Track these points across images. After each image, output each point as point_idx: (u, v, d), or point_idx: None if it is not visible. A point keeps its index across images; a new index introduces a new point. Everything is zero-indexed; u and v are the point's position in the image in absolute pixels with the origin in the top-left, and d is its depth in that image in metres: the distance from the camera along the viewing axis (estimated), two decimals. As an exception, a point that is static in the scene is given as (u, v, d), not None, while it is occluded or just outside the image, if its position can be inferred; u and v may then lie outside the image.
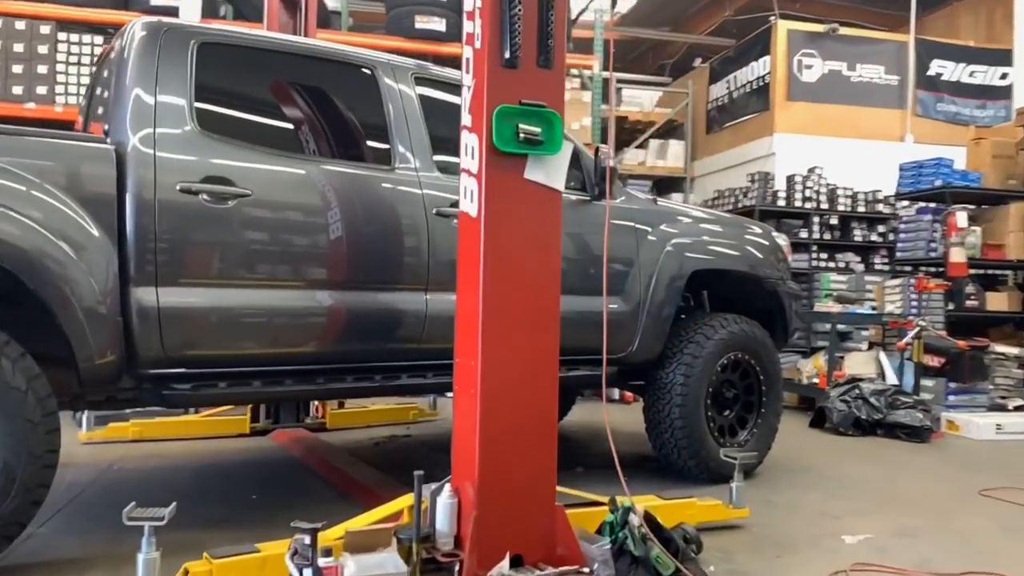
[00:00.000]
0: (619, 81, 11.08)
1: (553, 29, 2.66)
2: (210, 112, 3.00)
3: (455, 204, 3.30)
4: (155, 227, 2.75)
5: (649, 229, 3.98)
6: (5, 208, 2.49)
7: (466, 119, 2.69)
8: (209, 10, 6.69)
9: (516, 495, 2.63)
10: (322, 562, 2.34)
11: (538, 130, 2.62)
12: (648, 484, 3.96)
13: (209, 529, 3.08)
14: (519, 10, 2.59)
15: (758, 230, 4.58)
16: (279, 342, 3.03)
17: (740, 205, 8.99)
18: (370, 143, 3.44)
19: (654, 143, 11.17)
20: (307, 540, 2.24)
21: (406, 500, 2.77)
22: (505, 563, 2.57)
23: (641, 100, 11.06)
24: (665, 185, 11.35)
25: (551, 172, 2.69)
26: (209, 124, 2.94)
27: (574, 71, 7.96)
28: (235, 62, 3.20)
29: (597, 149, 3.82)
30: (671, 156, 11.20)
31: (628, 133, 11.05)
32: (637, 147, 10.98)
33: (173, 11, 6.12)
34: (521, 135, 2.59)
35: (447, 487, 2.65)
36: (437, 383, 3.49)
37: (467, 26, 2.69)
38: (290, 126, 3.47)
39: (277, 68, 3.33)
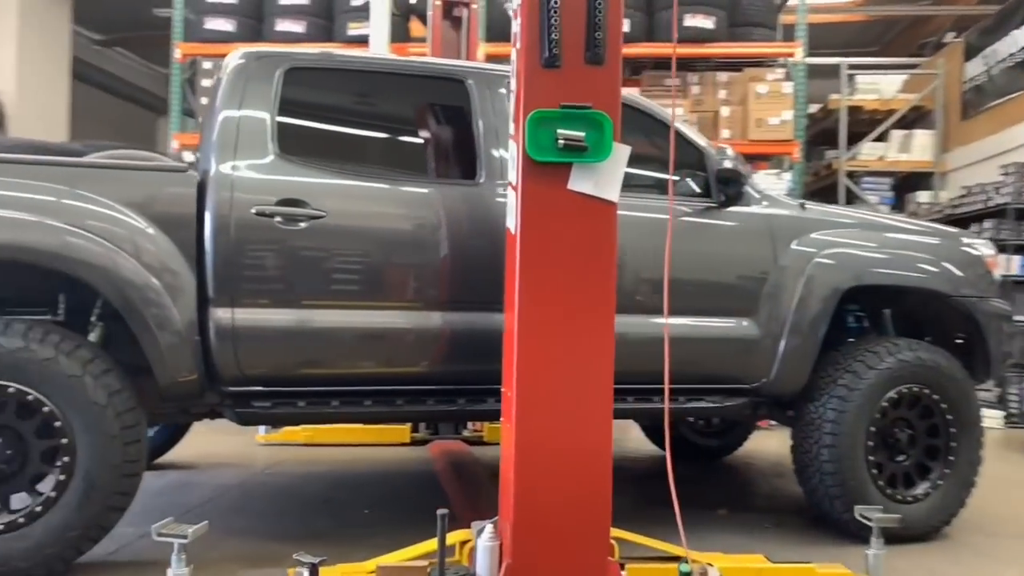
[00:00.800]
0: (852, 67, 9.92)
1: (603, 20, 2.36)
2: (292, 135, 3.06)
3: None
4: (231, 249, 2.85)
5: (793, 239, 3.44)
6: (90, 232, 2.71)
7: (511, 127, 2.48)
8: (399, 35, 6.96)
9: (557, 543, 2.36)
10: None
11: (581, 135, 2.33)
12: (788, 538, 3.45)
13: (297, 543, 3.11)
14: (559, 1, 2.32)
15: (949, 238, 3.78)
16: (355, 363, 3.00)
17: (991, 203, 7.59)
18: (459, 157, 3.32)
19: (896, 134, 9.85)
20: (306, 574, 2.16)
21: (459, 535, 2.60)
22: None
23: (879, 86, 9.82)
24: (911, 183, 9.98)
25: (602, 181, 2.38)
26: (290, 147, 3.00)
27: (779, 60, 7.25)
28: (321, 85, 3.24)
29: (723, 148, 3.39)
30: (917, 148, 9.80)
31: (865, 125, 9.87)
32: (875, 140, 9.76)
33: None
34: (561, 142, 2.32)
35: (489, 527, 2.44)
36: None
37: (513, 25, 2.47)
38: (376, 145, 3.46)
39: (365, 87, 3.32)
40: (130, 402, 2.74)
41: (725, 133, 7.11)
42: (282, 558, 2.69)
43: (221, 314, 2.85)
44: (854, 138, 9.75)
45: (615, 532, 2.65)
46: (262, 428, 5.34)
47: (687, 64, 7.47)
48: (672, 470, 2.46)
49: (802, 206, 3.59)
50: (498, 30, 6.64)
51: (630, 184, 3.74)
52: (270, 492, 4.13)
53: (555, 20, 2.32)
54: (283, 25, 7.40)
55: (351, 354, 2.99)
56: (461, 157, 3.26)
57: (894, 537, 3.02)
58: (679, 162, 3.41)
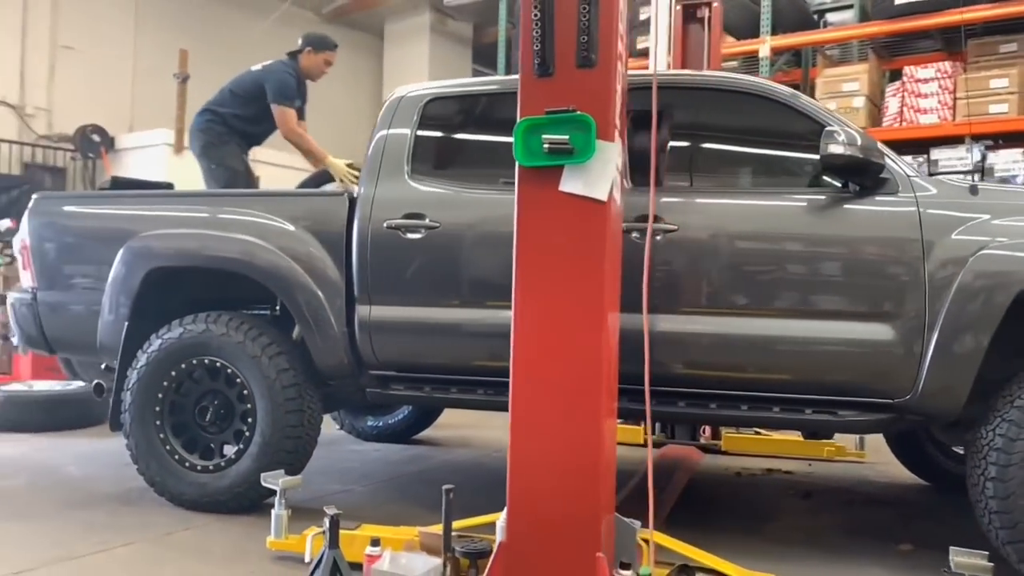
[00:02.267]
0: None
1: (592, 23, 2.40)
2: (425, 157, 3.53)
3: (640, 219, 3.13)
4: (369, 256, 3.43)
5: (953, 229, 2.88)
6: (270, 245, 3.51)
7: (514, 135, 2.62)
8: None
9: (547, 533, 2.45)
10: (369, 551, 2.66)
11: (565, 138, 2.40)
12: None
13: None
14: (548, 10, 2.43)
15: None
16: (467, 356, 3.36)
17: None
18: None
19: None
20: (328, 524, 2.59)
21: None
22: (533, 601, 2.44)
23: None
24: None
25: (590, 181, 2.42)
26: (420, 168, 3.49)
27: None
28: (453, 111, 3.66)
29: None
30: None
31: None
32: None
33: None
34: (546, 146, 2.42)
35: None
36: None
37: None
38: (496, 157, 3.72)
39: (489, 109, 3.66)
40: (294, 379, 3.48)
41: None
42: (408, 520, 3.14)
43: (362, 310, 3.45)
44: None
45: (655, 536, 2.63)
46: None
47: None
48: (652, 481, 2.37)
49: (973, 190, 2.97)
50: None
51: (755, 176, 3.55)
52: (477, 471, 4.64)
53: (538, 30, 2.44)
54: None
55: (462, 348, 3.36)
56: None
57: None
58: (804, 149, 3.16)
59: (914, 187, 2.98)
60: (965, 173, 5.97)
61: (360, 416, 5.33)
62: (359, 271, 3.45)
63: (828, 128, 2.87)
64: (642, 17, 7.31)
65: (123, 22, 11.88)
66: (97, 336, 3.78)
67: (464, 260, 3.34)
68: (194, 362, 3.57)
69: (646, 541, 2.62)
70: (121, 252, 3.70)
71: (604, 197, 2.42)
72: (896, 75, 6.63)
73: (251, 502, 3.51)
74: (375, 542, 2.69)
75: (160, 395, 3.59)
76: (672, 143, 3.33)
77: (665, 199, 3.18)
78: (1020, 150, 5.79)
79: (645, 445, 5.29)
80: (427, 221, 3.36)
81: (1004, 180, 5.78)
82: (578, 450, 2.43)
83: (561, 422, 2.45)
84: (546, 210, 2.47)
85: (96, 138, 10.91)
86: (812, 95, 6.67)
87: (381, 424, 5.27)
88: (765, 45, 6.76)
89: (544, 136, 2.43)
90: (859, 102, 6.36)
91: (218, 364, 3.55)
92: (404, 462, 4.82)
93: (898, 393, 2.91)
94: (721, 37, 5.68)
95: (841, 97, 6.43)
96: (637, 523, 2.67)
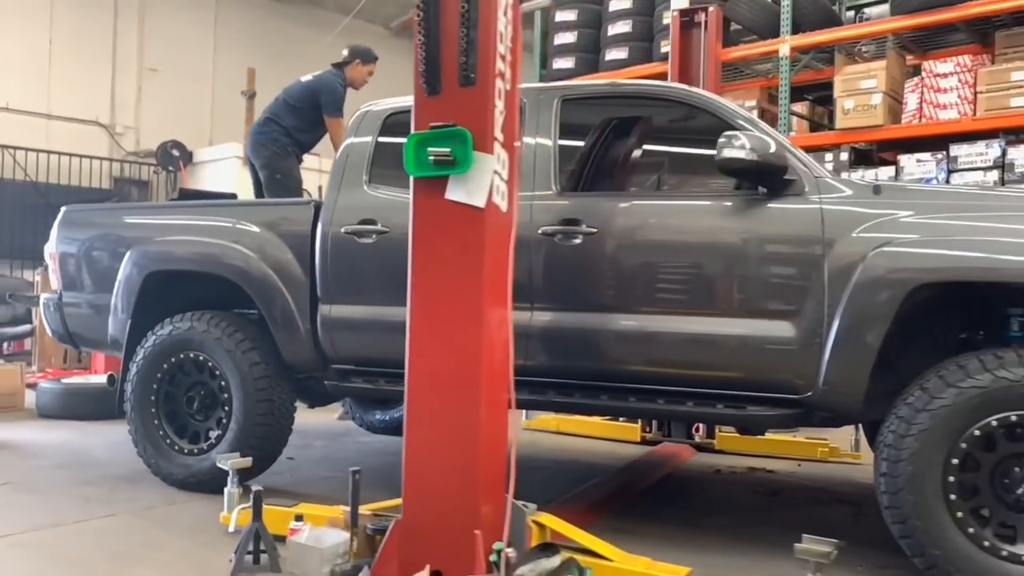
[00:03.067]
0: None
1: (471, 45, 2.62)
2: (382, 167, 3.80)
3: (567, 222, 3.32)
4: (329, 259, 3.74)
5: (853, 228, 2.93)
6: (244, 249, 3.87)
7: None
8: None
9: (436, 514, 2.68)
10: (292, 525, 2.96)
11: (447, 150, 2.63)
12: None
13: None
14: (433, 33, 2.67)
15: None
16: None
17: None
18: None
19: None
20: (252, 500, 2.90)
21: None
22: (421, 575, 2.66)
23: None
24: None
25: (471, 189, 2.64)
26: (378, 177, 3.76)
27: None
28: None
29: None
30: None
31: None
32: None
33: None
34: (432, 158, 2.66)
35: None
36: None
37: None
38: None
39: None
40: (264, 372, 3.83)
41: (1103, 93, 5.52)
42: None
43: (324, 309, 3.76)
44: None
45: (543, 518, 2.82)
46: (523, 415, 6.13)
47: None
48: (515, 462, 2.55)
49: (876, 189, 3.00)
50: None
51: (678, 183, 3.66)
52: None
53: (423, 52, 2.67)
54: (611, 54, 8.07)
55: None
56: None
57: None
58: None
59: (820, 188, 3.05)
60: (985, 169, 5.78)
61: (369, 410, 5.66)
62: (321, 273, 3.76)
63: (726, 133, 2.97)
64: (665, 22, 7.39)
65: (203, 44, 12.77)
66: (108, 333, 4.25)
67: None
68: (182, 356, 3.97)
69: (536, 523, 2.80)
70: (126, 258, 4.15)
71: (482, 204, 2.63)
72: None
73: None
74: (299, 518, 2.98)
75: (155, 386, 4.01)
76: (598, 149, 3.50)
77: (586, 202, 3.35)
78: (1042, 145, 5.58)
79: (642, 443, 5.47)
80: (378, 226, 3.63)
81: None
82: (460, 436, 2.65)
83: (446, 411, 2.67)
84: (435, 216, 2.70)
85: (175, 153, 11.77)
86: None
87: (388, 418, 5.58)
88: (785, 45, 6.72)
89: (430, 149, 2.66)
90: (876, 99, 6.24)
91: (201, 358, 3.94)
92: (397, 452, 5.10)
93: (801, 389, 2.99)
94: (719, 42, 5.74)
95: (859, 95, 6.32)
96: (532, 506, 2.86)
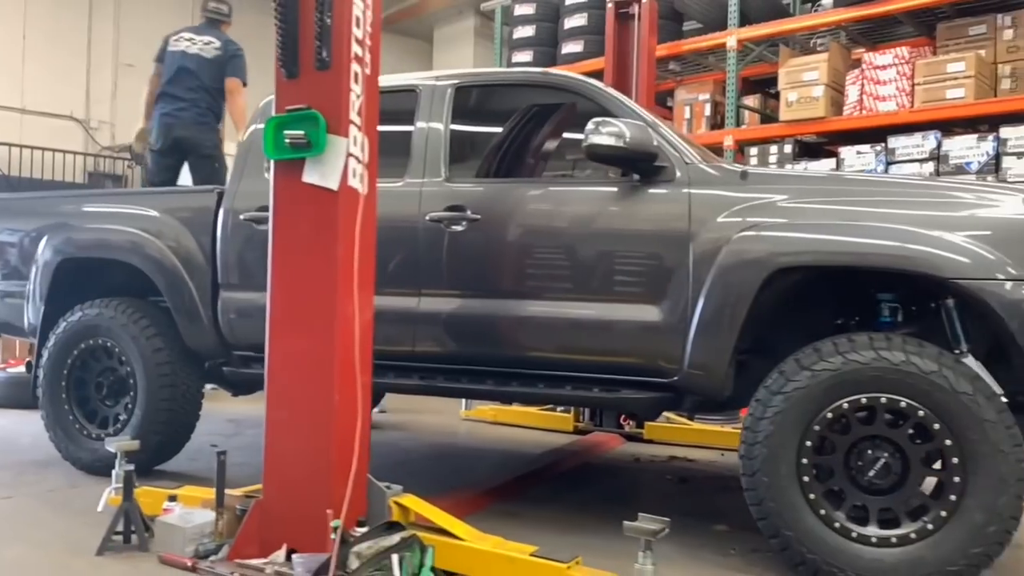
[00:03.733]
0: None
1: (326, 30, 2.65)
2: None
3: (453, 208, 3.35)
4: (228, 246, 3.77)
5: (719, 213, 2.95)
6: (148, 236, 3.90)
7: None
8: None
9: (292, 494, 2.71)
10: (165, 505, 3.00)
11: (302, 133, 2.66)
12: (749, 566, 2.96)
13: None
14: (291, 18, 2.69)
15: (964, 202, 2.74)
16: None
17: None
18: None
19: None
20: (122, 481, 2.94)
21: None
22: (279, 554, 2.70)
23: None
24: None
25: (325, 171, 2.68)
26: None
27: None
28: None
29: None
30: None
31: None
32: None
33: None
34: (287, 141, 2.69)
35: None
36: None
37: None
38: None
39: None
40: (168, 358, 3.86)
41: (1036, 84, 5.51)
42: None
43: (223, 295, 3.80)
44: None
45: (405, 499, 2.85)
46: (462, 406, 6.16)
47: (997, 3, 5.96)
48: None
49: (743, 175, 3.02)
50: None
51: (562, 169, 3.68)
52: (389, 451, 4.90)
53: (281, 37, 2.70)
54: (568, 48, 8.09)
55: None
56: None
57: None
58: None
59: (690, 174, 3.06)
60: (921, 161, 5.78)
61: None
62: (222, 260, 3.80)
63: (594, 120, 2.99)
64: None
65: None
66: (26, 319, 4.30)
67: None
68: (91, 343, 4.01)
69: (398, 504, 2.83)
70: (40, 246, 4.19)
71: (335, 186, 2.66)
72: (867, 63, 6.46)
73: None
74: (172, 498, 3.02)
75: (65, 372, 4.05)
76: (487, 135, 3.52)
77: (472, 189, 3.38)
78: (975, 136, 5.56)
79: (575, 433, 5.49)
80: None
81: (958, 168, 5.58)
82: (315, 418, 2.68)
83: (302, 393, 2.71)
84: (293, 199, 2.74)
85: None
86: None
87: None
88: (732, 37, 6.72)
89: (285, 132, 2.70)
90: (819, 91, 6.23)
91: (109, 344, 3.97)
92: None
93: (670, 372, 3.01)
94: (653, 35, 5.74)
95: (802, 87, 6.31)
96: (397, 487, 2.89)
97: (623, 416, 5.28)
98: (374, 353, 3.39)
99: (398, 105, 3.68)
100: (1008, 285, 2.60)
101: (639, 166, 3.06)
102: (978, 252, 2.65)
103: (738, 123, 7.06)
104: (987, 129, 5.57)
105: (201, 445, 4.41)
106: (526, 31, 8.45)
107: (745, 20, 6.82)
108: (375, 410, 6.12)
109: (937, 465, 2.64)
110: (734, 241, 2.87)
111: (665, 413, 5.29)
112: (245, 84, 5.76)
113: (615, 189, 3.17)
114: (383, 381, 3.46)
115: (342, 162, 2.66)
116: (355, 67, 2.70)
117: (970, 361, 2.78)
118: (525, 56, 8.42)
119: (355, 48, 2.69)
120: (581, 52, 7.91)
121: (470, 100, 3.63)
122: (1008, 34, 5.85)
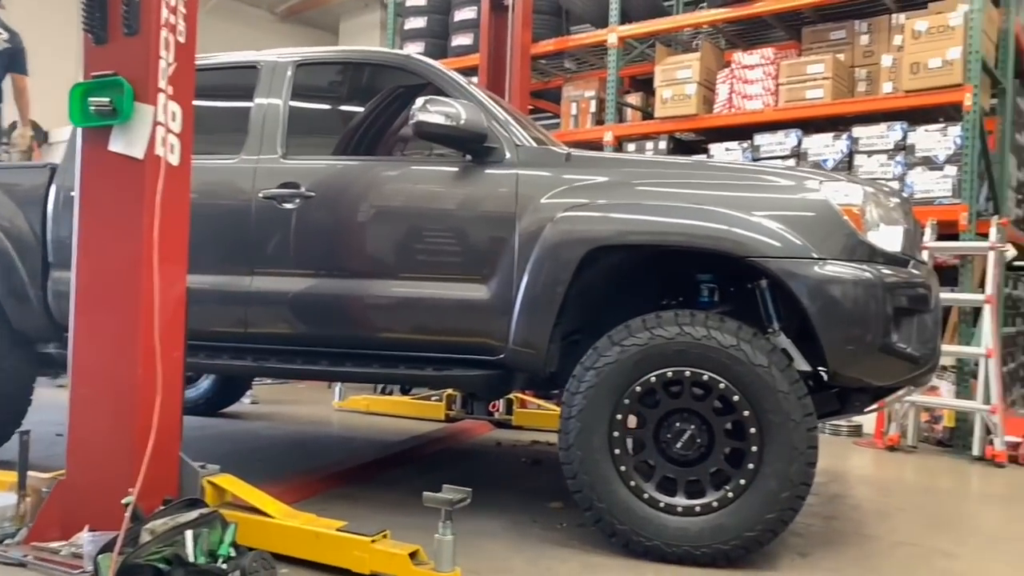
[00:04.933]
0: None
1: (134, -6, 2.57)
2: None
3: (286, 185, 3.30)
4: (60, 224, 3.62)
5: (542, 193, 3.00)
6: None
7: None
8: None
9: (96, 472, 2.63)
10: (-26, 488, 2.86)
11: (107, 100, 2.58)
12: (579, 541, 3.00)
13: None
14: (98, -15, 2.61)
15: (785, 186, 2.89)
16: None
17: None
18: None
19: None
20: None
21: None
22: (80, 535, 2.60)
23: None
24: None
25: (131, 140, 2.60)
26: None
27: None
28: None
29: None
30: None
31: None
32: None
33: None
34: (92, 108, 2.60)
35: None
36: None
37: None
38: None
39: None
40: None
41: (887, 87, 5.81)
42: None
43: (54, 275, 3.64)
44: None
45: (220, 479, 2.79)
46: (338, 396, 6.09)
47: (856, 10, 6.26)
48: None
49: (568, 157, 3.09)
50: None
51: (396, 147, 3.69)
52: (253, 441, 4.81)
53: (89, 2, 2.62)
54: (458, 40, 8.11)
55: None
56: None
57: (676, 555, 2.74)
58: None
59: (519, 155, 3.11)
60: (784, 158, 6.02)
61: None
62: (52, 237, 3.65)
63: (421, 97, 3.00)
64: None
65: (67, 23, 12.27)
66: None
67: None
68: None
69: (212, 484, 2.77)
70: None
71: (141, 155, 2.59)
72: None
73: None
74: (-21, 482, 2.89)
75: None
76: (319, 112, 3.49)
77: (308, 166, 3.34)
78: (831, 135, 5.83)
79: (446, 421, 5.49)
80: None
81: (816, 165, 5.83)
82: (118, 395, 2.60)
83: (105, 369, 2.63)
84: (99, 168, 2.65)
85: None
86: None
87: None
88: (613, 34, 6.86)
89: (90, 98, 2.61)
90: (691, 89, 6.43)
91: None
92: (199, 429, 5.01)
93: (497, 350, 3.04)
94: (527, 29, 5.81)
95: (676, 84, 6.50)
96: (214, 467, 2.83)
97: (492, 404, 5.32)
98: (206, 334, 3.35)
99: (238, 82, 3.62)
100: (807, 267, 2.72)
101: (469, 146, 3.09)
102: (784, 235, 2.77)
103: (620, 119, 7.22)
104: (844, 128, 5.84)
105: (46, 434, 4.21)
106: (418, 22, 8.43)
107: (628, 18, 6.98)
108: (246, 400, 6.01)
109: (739, 436, 2.74)
110: (555, 221, 2.93)
111: (536, 400, 5.39)
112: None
113: (447, 169, 3.18)
114: (216, 363, 3.39)
115: (148, 131, 2.58)
116: (166, 34, 2.63)
117: (781, 339, 2.92)
118: (417, 47, 8.39)
119: (166, 15, 2.62)
120: (471, 45, 7.92)
121: (311, 78, 3.59)
122: (864, 39, 6.16)
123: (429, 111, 2.96)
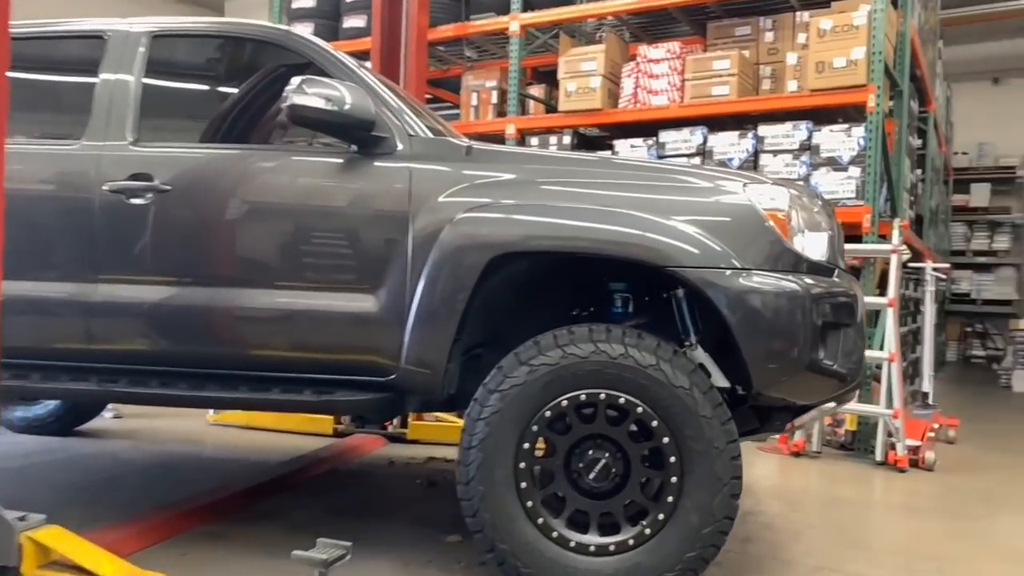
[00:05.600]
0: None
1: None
2: None
3: (138, 177, 2.81)
4: None
5: (439, 191, 2.65)
6: None
7: None
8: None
9: None
10: None
11: None
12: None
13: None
14: None
15: (706, 189, 2.62)
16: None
17: None
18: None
19: None
20: None
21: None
22: None
23: None
24: None
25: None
26: None
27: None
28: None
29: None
30: None
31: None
32: None
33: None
34: None
35: None
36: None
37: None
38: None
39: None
40: None
41: (792, 86, 5.72)
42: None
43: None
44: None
45: (44, 534, 2.31)
46: (211, 410, 5.54)
47: (761, 7, 6.17)
48: None
49: (468, 151, 2.74)
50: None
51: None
52: (111, 467, 4.23)
53: None
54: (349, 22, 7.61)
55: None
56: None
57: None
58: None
59: (413, 147, 2.73)
60: (689, 156, 5.87)
61: (8, 407, 4.86)
62: None
63: (296, 79, 2.58)
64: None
65: None
66: None
67: None
68: None
69: (33, 540, 2.28)
70: None
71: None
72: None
73: None
74: None
75: None
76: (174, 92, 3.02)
77: (164, 155, 2.87)
78: (737, 133, 5.71)
79: (335, 435, 5.05)
80: None
81: (721, 163, 5.70)
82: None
83: None
84: None
85: None
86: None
87: (31, 415, 4.82)
88: (515, 22, 6.54)
89: None
90: (596, 82, 6.20)
91: None
92: (46, 453, 4.40)
93: (387, 370, 2.66)
94: (424, 12, 5.42)
95: (580, 77, 6.25)
96: (38, 518, 2.35)
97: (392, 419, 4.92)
98: (41, 352, 2.84)
99: (82, 53, 3.09)
100: (728, 276, 2.47)
101: (354, 134, 2.69)
102: (703, 241, 2.50)
103: (523, 112, 6.92)
104: (750, 127, 5.72)
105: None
106: (307, 1, 7.87)
107: (531, 6, 6.68)
108: (108, 415, 5.40)
109: (657, 465, 2.47)
110: (455, 223, 2.57)
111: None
112: None
113: (329, 161, 2.77)
114: (52, 386, 2.87)
115: (-56, 107, 2.07)
116: (-35, -11, 2.12)
117: (699, 353, 2.66)
118: (305, 28, 7.84)
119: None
120: (364, 28, 7.44)
121: (171, 52, 3.10)
122: (769, 36, 6.06)
123: (306, 93, 2.54)
